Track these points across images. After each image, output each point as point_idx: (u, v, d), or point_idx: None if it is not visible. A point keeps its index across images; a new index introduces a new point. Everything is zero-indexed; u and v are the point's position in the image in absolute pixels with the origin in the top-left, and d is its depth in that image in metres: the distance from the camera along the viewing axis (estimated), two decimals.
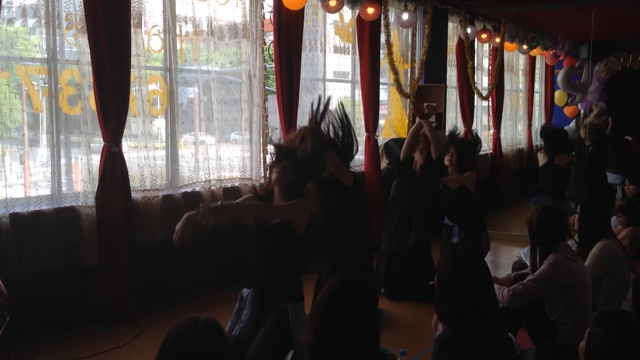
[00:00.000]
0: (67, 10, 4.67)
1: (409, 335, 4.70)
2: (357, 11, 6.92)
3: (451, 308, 2.74)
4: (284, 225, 3.48)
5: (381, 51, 7.44)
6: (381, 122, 7.93)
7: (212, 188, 5.65)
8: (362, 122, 7.40)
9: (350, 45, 7.42)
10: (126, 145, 5.01)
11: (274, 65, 6.21)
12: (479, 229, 5.92)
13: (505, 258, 6.82)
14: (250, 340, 3.45)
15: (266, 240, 3.58)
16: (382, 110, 7.94)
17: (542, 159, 7.95)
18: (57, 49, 4.63)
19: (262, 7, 6.04)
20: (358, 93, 7.45)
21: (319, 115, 4.15)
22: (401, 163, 5.62)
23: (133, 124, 5.13)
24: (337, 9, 6.42)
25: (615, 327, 2.08)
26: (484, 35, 9.16)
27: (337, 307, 2.29)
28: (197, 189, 5.57)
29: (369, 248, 5.12)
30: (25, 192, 4.59)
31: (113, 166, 4.75)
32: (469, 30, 8.81)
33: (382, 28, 7.18)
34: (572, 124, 12.56)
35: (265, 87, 6.17)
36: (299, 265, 3.76)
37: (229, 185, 5.84)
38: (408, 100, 8.12)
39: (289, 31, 6.11)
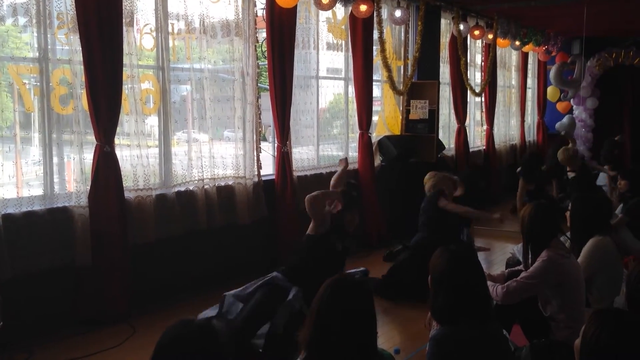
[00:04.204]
0: (59, 9, 4.63)
1: (403, 333, 4.71)
2: (350, 8, 6.92)
3: (445, 306, 2.75)
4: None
5: (374, 48, 7.44)
6: (374, 118, 7.94)
7: (206, 187, 5.63)
8: (356, 119, 7.40)
9: (343, 42, 7.42)
10: (119, 144, 4.99)
11: (266, 63, 6.20)
12: None
13: (499, 254, 6.85)
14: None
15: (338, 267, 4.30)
16: (376, 107, 7.95)
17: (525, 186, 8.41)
18: (49, 48, 4.60)
19: (255, 5, 6.02)
20: (351, 90, 7.44)
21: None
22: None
23: (126, 123, 5.11)
24: (330, 6, 6.41)
25: (610, 324, 2.09)
26: (476, 32, 9.17)
27: (334, 306, 2.30)
28: (191, 187, 5.55)
29: None
30: (18, 192, 4.56)
31: (106, 166, 4.73)
32: (461, 26, 8.81)
33: (375, 25, 7.18)
34: (565, 119, 12.64)
35: (258, 84, 6.15)
36: None
37: (223, 183, 5.82)
38: (401, 97, 8.13)
39: (282, 29, 6.10)
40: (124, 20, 4.82)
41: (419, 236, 5.68)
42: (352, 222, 4.46)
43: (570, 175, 8.72)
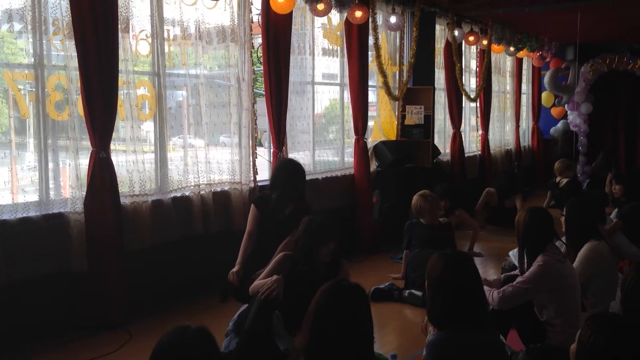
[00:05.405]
0: (54, 16, 4.63)
1: (400, 338, 4.71)
2: (345, 14, 6.93)
3: (442, 311, 2.75)
4: None
5: (369, 54, 7.47)
6: (370, 124, 7.95)
7: (202, 192, 5.63)
8: (351, 125, 7.41)
9: (339, 48, 7.44)
10: (115, 149, 4.98)
11: (262, 69, 6.20)
12: None
13: (495, 259, 6.85)
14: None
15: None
16: (371, 112, 7.96)
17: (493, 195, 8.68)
18: (44, 54, 4.60)
19: (250, 11, 6.03)
20: (347, 95, 7.46)
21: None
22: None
23: (121, 129, 5.10)
24: (325, 12, 6.43)
25: (605, 329, 2.10)
26: (471, 38, 9.21)
27: (331, 311, 2.30)
28: (187, 193, 5.54)
29: None
30: (13, 198, 4.54)
31: (101, 172, 4.72)
32: (456, 32, 8.86)
33: (370, 31, 7.20)
34: (559, 124, 12.69)
35: (254, 90, 6.15)
36: None
37: (219, 189, 5.82)
38: (397, 102, 8.15)
39: (278, 34, 6.11)
40: (119, 27, 4.82)
41: None
42: (326, 255, 3.91)
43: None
